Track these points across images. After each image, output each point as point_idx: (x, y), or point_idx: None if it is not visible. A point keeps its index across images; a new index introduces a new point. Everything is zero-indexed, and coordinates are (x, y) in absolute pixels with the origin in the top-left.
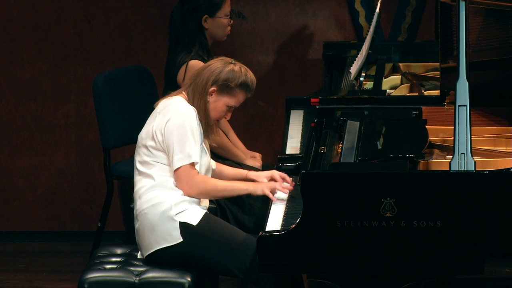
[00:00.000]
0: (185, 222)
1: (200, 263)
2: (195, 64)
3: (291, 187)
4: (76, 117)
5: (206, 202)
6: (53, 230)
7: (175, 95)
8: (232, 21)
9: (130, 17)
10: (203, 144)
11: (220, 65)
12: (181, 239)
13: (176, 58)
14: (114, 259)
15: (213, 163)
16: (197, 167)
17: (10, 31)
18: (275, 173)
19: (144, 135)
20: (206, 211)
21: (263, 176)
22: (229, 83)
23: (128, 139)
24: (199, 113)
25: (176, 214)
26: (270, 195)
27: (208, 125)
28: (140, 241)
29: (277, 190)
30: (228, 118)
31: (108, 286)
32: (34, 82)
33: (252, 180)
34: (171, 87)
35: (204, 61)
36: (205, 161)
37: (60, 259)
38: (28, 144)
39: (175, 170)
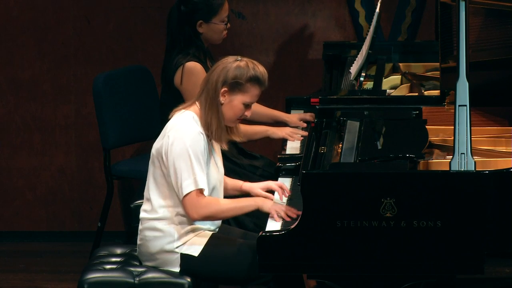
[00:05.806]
0: (187, 254)
1: (204, 280)
2: (192, 66)
3: (293, 214)
4: (76, 117)
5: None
6: (53, 230)
7: (188, 108)
8: (229, 25)
9: (130, 17)
10: (212, 160)
11: (227, 65)
12: (180, 269)
13: (172, 60)
14: (114, 259)
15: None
16: (205, 192)
17: (10, 31)
18: (271, 183)
19: (157, 147)
20: (212, 232)
21: (257, 187)
22: (239, 80)
23: (128, 139)
24: (211, 118)
25: (177, 247)
26: (276, 217)
27: (221, 129)
28: (141, 256)
29: (279, 210)
30: (248, 115)
31: (108, 287)
32: (34, 82)
33: (247, 192)
34: (168, 90)
35: (201, 62)
36: (212, 180)
37: (60, 259)
38: (28, 144)
39: (183, 197)
